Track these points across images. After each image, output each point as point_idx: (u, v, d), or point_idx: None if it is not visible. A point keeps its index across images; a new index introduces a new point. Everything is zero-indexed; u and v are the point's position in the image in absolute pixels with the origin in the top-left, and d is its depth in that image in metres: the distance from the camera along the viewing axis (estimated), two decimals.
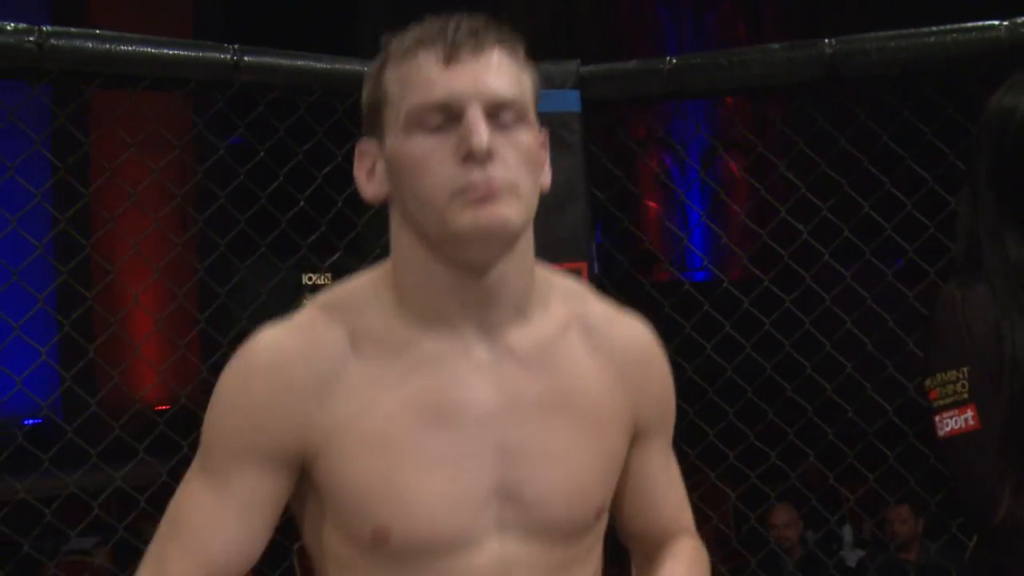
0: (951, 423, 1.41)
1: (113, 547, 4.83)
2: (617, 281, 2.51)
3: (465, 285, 1.09)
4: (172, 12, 8.04)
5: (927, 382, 1.44)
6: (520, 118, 1.07)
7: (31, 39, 1.74)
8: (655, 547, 1.28)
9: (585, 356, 1.16)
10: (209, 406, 1.12)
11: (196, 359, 2.57)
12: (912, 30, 2.03)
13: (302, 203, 2.11)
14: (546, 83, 2.10)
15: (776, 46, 2.09)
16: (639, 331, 1.22)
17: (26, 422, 6.18)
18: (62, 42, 1.77)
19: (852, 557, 4.93)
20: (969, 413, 1.39)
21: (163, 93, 1.97)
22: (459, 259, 1.07)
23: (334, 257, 2.30)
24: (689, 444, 2.50)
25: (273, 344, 1.10)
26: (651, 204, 9.40)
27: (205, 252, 2.39)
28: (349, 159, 2.29)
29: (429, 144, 1.05)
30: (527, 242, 1.12)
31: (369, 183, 1.13)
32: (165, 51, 1.87)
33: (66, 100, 2.15)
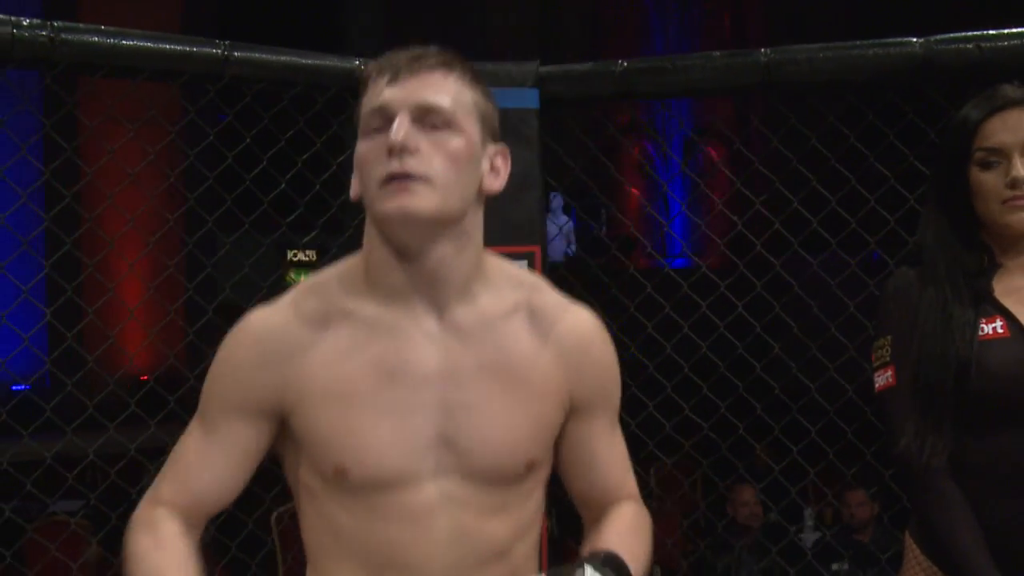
0: (879, 380, 1.71)
1: (94, 510, 5.01)
2: (601, 265, 2.75)
3: (409, 266, 1.30)
4: (161, 5, 8.22)
5: (872, 348, 1.73)
6: (448, 124, 1.28)
7: (44, 33, 1.96)
8: (601, 511, 1.47)
9: (527, 336, 1.36)
10: (209, 369, 1.36)
11: (183, 324, 2.79)
12: (839, 43, 2.26)
13: (283, 185, 2.32)
14: (508, 81, 2.33)
15: (717, 54, 2.31)
16: (583, 319, 1.41)
17: (14, 388, 6.36)
18: (72, 36, 1.98)
19: (810, 539, 5.15)
20: (889, 372, 1.70)
21: (155, 83, 2.18)
22: (394, 241, 1.29)
23: (312, 234, 2.52)
24: (666, 417, 2.75)
25: (259, 321, 1.35)
26: (633, 191, 9.63)
27: (193, 228, 2.62)
28: (328, 146, 2.51)
29: (371, 143, 1.28)
30: (465, 233, 1.32)
31: (354, 186, 1.35)
32: (163, 46, 2.09)
33: (65, 88, 2.35)
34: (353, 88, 2.29)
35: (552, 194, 9.23)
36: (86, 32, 2.01)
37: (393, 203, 1.25)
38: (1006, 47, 2.14)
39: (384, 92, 1.28)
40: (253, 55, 2.18)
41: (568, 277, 2.48)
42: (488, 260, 1.38)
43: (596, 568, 1.27)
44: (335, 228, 2.56)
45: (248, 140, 2.32)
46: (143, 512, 1.35)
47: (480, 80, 1.33)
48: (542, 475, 1.41)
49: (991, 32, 2.15)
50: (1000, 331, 1.64)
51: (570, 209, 8.65)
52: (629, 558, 1.33)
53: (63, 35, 1.97)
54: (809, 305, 2.59)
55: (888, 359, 1.70)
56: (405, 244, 1.30)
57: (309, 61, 2.24)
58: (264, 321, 1.34)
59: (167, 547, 1.31)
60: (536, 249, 2.31)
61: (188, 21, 8.14)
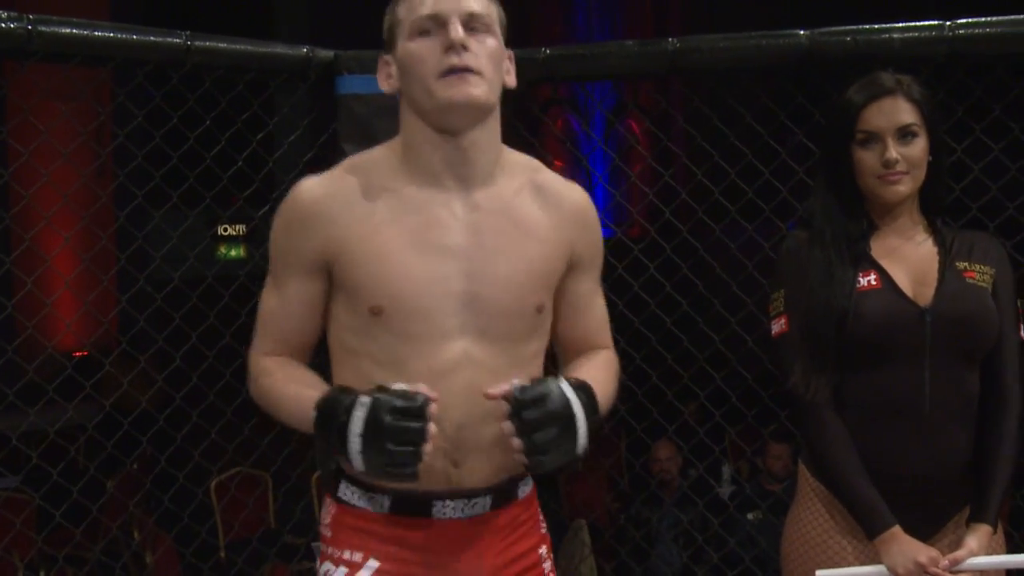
0: (775, 327, 2.00)
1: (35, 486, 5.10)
2: None
3: (447, 145, 1.56)
4: None
5: (769, 300, 2.02)
6: (487, 29, 1.55)
7: (20, 25, 2.15)
8: (581, 352, 1.73)
9: (535, 208, 1.63)
10: (270, 235, 1.62)
11: (116, 294, 2.99)
12: (736, 34, 2.55)
13: (208, 161, 2.56)
14: None
15: (630, 42, 2.58)
16: (578, 192, 1.69)
17: None
18: (47, 28, 2.18)
19: (727, 493, 5.48)
20: (783, 320, 1.98)
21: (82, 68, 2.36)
22: (442, 124, 1.55)
23: (235, 207, 2.74)
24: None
25: (306, 189, 1.60)
26: (557, 163, 9.87)
27: (124, 204, 2.83)
28: (248, 125, 2.69)
29: (425, 43, 1.54)
30: (495, 121, 1.59)
31: (387, 81, 1.62)
32: (130, 36, 2.29)
33: None
34: (302, 73, 2.52)
35: None
36: (59, 24, 2.21)
37: (458, 91, 1.50)
38: (878, 40, 2.45)
39: (433, 2, 1.53)
40: (213, 44, 2.39)
41: None
42: (502, 148, 1.64)
43: (571, 386, 1.50)
44: (259, 202, 2.75)
45: (175, 120, 2.53)
46: (254, 365, 1.63)
47: None
48: (545, 330, 1.66)
49: (864, 27, 2.46)
50: (874, 283, 1.91)
51: None
52: (598, 390, 1.57)
53: (40, 27, 2.17)
54: (712, 269, 2.88)
55: (782, 309, 1.98)
56: (455, 127, 1.55)
57: (264, 49, 2.47)
58: (310, 192, 1.59)
59: (286, 373, 1.58)
60: None
61: (117, 6, 8.11)
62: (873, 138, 1.92)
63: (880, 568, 1.87)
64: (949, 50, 2.42)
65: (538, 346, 1.65)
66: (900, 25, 2.45)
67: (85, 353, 6.36)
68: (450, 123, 1.55)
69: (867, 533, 1.89)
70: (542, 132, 9.99)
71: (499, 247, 1.58)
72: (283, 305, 1.62)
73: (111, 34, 2.26)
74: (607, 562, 4.68)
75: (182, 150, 2.61)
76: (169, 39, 2.32)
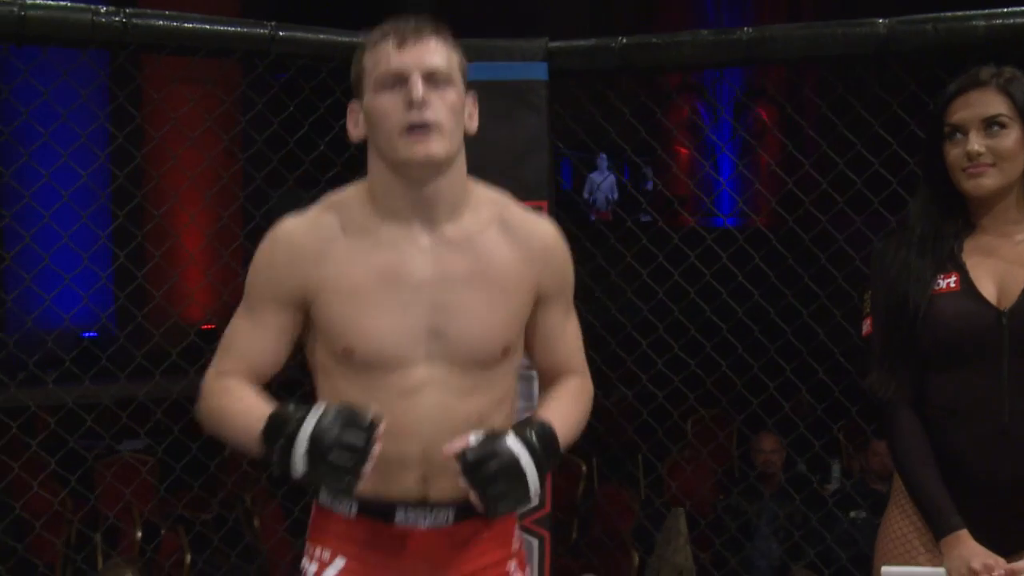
0: (864, 327, 1.98)
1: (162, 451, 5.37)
2: (643, 226, 3.03)
3: (412, 193, 1.63)
4: None
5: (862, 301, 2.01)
6: (447, 82, 1.60)
7: (117, 19, 2.32)
8: (553, 381, 1.79)
9: (501, 243, 1.67)
10: (250, 265, 1.71)
11: (239, 267, 3.19)
12: (814, 23, 2.52)
13: (322, 147, 2.67)
14: (519, 56, 2.63)
15: (705, 32, 2.58)
16: (544, 227, 1.73)
17: (84, 335, 6.82)
18: (141, 21, 2.35)
19: (833, 489, 5.36)
20: (869, 321, 1.97)
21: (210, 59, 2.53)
22: (405, 176, 1.61)
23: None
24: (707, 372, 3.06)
25: (289, 227, 1.69)
26: (682, 151, 9.82)
27: (246, 184, 2.99)
28: None
29: (388, 98, 1.60)
30: (458, 165, 1.64)
31: (354, 129, 1.69)
32: (218, 27, 2.44)
33: (133, 64, 2.74)
34: None
35: (600, 155, 9.55)
36: (152, 17, 2.37)
37: (419, 150, 1.57)
38: (961, 28, 2.39)
39: (396, 57, 1.59)
40: (296, 34, 2.51)
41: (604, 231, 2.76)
42: (469, 185, 1.69)
43: (520, 437, 1.57)
44: None
45: (292, 108, 2.67)
46: (210, 383, 1.70)
47: (456, 41, 1.67)
48: (515, 360, 1.73)
49: (946, 14, 2.39)
50: (952, 286, 1.86)
51: (613, 168, 8.97)
52: (559, 422, 1.65)
53: (134, 20, 2.33)
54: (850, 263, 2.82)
55: (868, 310, 1.96)
56: (417, 180, 1.63)
57: (345, 39, 2.57)
58: (293, 230, 1.68)
59: (242, 392, 1.66)
60: (544, 204, 2.62)
61: (247, 4, 8.42)
62: (958, 131, 1.87)
63: (940, 571, 1.83)
64: None
65: (506, 369, 1.71)
66: (985, 12, 2.37)
67: (212, 326, 6.70)
68: (412, 176, 1.62)
69: (934, 534, 1.86)
70: (670, 119, 9.96)
71: (465, 281, 1.65)
72: (253, 328, 1.69)
73: (199, 25, 2.41)
74: (704, 551, 4.68)
75: (298, 135, 2.75)
76: (255, 30, 2.45)
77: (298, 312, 1.68)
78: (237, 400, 1.65)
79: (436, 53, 1.60)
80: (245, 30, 2.46)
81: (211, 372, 1.72)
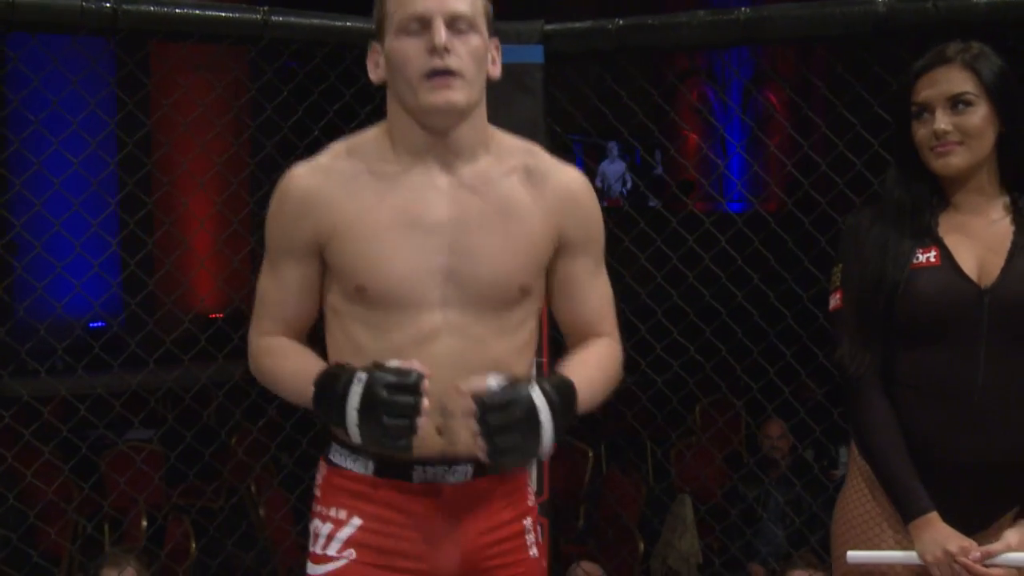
0: (831, 302, 1.96)
1: (164, 438, 5.46)
2: (652, 210, 3.00)
3: (431, 137, 1.62)
4: None
5: (830, 275, 1.99)
6: (471, 27, 1.58)
7: (108, 5, 2.30)
8: (581, 341, 1.74)
9: (521, 188, 1.66)
10: (266, 219, 1.70)
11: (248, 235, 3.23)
12: (809, 3, 2.48)
13: (331, 114, 2.68)
14: (515, 38, 2.60)
15: (701, 12, 2.55)
16: (570, 174, 1.71)
17: (91, 325, 6.82)
18: (131, 7, 2.33)
19: (840, 475, 5.33)
20: (838, 295, 1.94)
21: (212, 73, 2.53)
22: (425, 123, 1.61)
23: None
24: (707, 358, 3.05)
25: (299, 176, 1.67)
26: (691, 135, 9.78)
27: (255, 189, 3.01)
28: (357, 99, 2.82)
29: (410, 43, 1.58)
30: (479, 111, 1.63)
31: (375, 71, 1.68)
32: (209, 13, 2.42)
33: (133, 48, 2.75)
34: None
35: (610, 143, 9.51)
36: (143, 2, 2.35)
37: (440, 97, 1.56)
38: (961, 6, 2.35)
39: (420, 0, 1.56)
40: (288, 19, 2.49)
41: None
42: (493, 132, 1.70)
43: (543, 391, 1.52)
44: None
45: (301, 75, 2.69)
46: (255, 345, 1.71)
47: None
48: (534, 304, 1.70)
49: None
50: (932, 260, 1.84)
51: (624, 155, 8.92)
52: (584, 383, 1.60)
53: (124, 6, 2.31)
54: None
55: (838, 284, 1.94)
56: (437, 127, 1.61)
57: (338, 23, 2.55)
58: (303, 179, 1.66)
59: (286, 351, 1.67)
60: None
61: None
62: (925, 110, 1.86)
63: (911, 554, 1.82)
64: None
65: (524, 315, 1.68)
66: None
67: (220, 315, 6.73)
68: (432, 123, 1.61)
69: (902, 517, 1.84)
70: (678, 102, 9.94)
71: (482, 223, 1.63)
72: (279, 288, 1.69)
73: (190, 11, 2.39)
74: (709, 536, 4.67)
75: (308, 139, 2.73)
76: (247, 15, 2.44)
77: (316, 260, 1.67)
78: (283, 360, 1.67)
79: None
80: (237, 15, 2.44)
81: (252, 332, 1.72)
